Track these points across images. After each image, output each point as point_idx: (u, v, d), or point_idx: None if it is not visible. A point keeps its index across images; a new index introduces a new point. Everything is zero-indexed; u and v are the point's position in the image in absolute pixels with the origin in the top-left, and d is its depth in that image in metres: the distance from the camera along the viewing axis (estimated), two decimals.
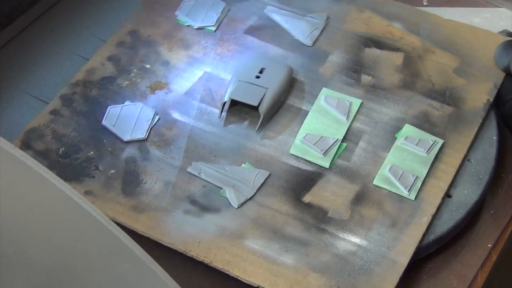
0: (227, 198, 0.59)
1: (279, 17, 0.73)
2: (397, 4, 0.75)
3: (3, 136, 0.40)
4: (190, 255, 0.56)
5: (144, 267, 0.41)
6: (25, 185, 0.41)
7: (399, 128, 0.63)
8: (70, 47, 0.74)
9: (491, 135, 0.64)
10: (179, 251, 0.57)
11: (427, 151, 0.61)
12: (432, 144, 0.62)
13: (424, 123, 0.64)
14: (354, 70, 0.68)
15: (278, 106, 0.65)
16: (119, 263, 0.42)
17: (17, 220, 0.42)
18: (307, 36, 0.71)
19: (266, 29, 0.72)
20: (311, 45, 0.70)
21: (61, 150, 0.63)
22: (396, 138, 0.63)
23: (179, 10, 0.74)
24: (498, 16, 0.78)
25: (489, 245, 0.60)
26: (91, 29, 0.75)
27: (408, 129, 0.63)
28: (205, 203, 0.59)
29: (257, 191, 0.60)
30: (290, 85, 0.67)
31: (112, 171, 0.62)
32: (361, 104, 0.65)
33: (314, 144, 0.62)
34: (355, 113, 0.65)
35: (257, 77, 0.65)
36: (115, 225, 0.40)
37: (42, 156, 0.63)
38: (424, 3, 0.80)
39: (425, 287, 0.58)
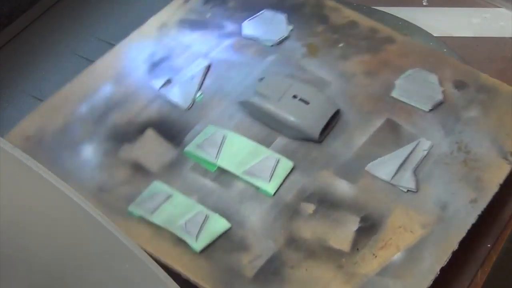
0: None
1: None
2: None
3: (3, 136, 0.40)
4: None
5: (144, 267, 0.41)
6: (25, 185, 0.41)
7: None
8: (70, 47, 0.74)
9: None
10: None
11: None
12: None
13: None
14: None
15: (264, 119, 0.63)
16: (119, 263, 0.42)
17: (17, 220, 0.43)
18: None
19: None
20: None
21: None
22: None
23: None
24: (498, 16, 0.78)
25: (489, 245, 0.60)
26: (91, 29, 0.75)
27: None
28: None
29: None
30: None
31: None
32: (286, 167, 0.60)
33: (207, 139, 0.61)
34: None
35: (295, 96, 0.62)
36: (114, 225, 0.41)
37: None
38: (424, 3, 0.80)
39: None
